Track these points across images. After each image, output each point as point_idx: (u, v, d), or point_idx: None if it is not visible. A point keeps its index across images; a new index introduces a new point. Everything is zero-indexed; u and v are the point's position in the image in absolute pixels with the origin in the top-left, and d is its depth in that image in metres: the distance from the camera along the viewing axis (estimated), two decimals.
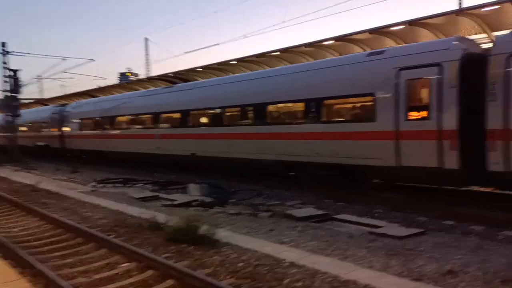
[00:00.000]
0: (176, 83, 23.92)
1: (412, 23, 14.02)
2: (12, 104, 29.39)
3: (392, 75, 10.32)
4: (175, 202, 11.57)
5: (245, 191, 13.07)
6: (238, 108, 14.88)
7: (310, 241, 7.34)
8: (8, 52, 27.65)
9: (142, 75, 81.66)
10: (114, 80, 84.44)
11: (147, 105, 19.78)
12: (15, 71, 29.47)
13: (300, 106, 12.74)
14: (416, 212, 9.29)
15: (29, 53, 29.08)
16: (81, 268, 6.46)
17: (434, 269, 5.78)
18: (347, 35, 15.23)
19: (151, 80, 26.13)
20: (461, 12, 14.41)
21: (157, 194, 13.48)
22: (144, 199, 12.76)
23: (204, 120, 16.66)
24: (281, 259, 6.34)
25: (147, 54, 76.66)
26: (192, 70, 22.77)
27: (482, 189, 10.82)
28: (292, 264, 6.09)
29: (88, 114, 25.12)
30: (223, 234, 7.85)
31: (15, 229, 9.46)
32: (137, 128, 20.35)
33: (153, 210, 10.68)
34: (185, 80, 23.51)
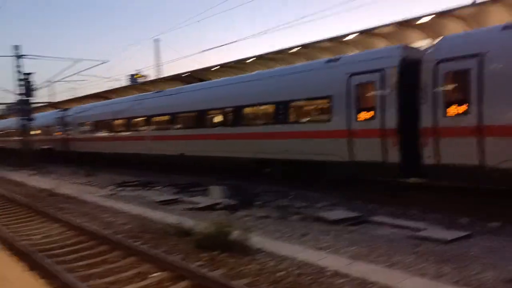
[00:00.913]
0: (190, 82, 23.67)
1: (440, 15, 13.47)
2: (26, 107, 29.32)
3: (345, 80, 11.42)
4: (198, 206, 11.19)
5: (269, 193, 12.66)
6: (218, 111, 15.95)
7: (349, 247, 6.91)
8: (21, 56, 27.53)
9: (152, 77, 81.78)
10: (126, 81, 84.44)
11: (140, 109, 20.83)
12: (28, 74, 29.41)
13: (270, 108, 13.86)
14: (455, 213, 8.79)
15: (42, 56, 28.90)
16: (111, 279, 6.11)
17: (493, 277, 5.33)
18: (370, 29, 14.75)
19: (165, 80, 25.83)
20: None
21: (177, 197, 13.13)
22: (165, 203, 12.41)
23: (190, 122, 17.56)
24: (323, 267, 5.92)
25: (157, 55, 76.56)
26: (208, 69, 22.41)
27: None
28: (337, 273, 5.67)
29: (87, 118, 26.26)
30: (254, 239, 7.43)
31: (37, 236, 9.17)
32: (132, 131, 21.40)
33: (176, 215, 10.34)
34: (200, 80, 23.21)
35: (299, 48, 17.19)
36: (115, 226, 9.58)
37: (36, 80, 43.92)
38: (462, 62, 9.12)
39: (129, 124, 21.72)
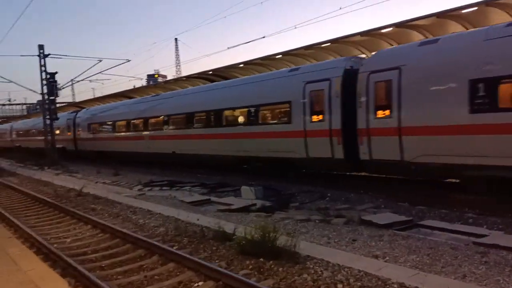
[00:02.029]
0: (214, 81, 23.26)
1: (489, 2, 12.62)
2: (50, 107, 29.37)
3: (301, 87, 13.17)
4: (232, 207, 10.71)
5: (304, 193, 12.12)
6: (203, 113, 17.77)
7: (408, 255, 6.31)
8: (46, 55, 27.54)
9: (170, 77, 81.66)
10: (146, 81, 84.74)
11: (138, 111, 22.87)
12: (52, 74, 29.46)
13: (245, 112, 15.53)
14: None
15: (66, 55, 29.01)
16: None
17: None
18: (407, 21, 14.00)
19: (189, 78, 25.47)
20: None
21: (208, 197, 12.69)
22: (196, 203, 11.99)
23: (180, 123, 19.40)
24: (386, 278, 5.34)
25: (177, 55, 76.58)
26: (233, 67, 21.92)
27: None
28: (402, 286, 5.09)
29: (94, 119, 28.56)
30: (300, 245, 6.89)
31: (68, 240, 8.81)
32: (132, 131, 23.41)
33: (210, 216, 9.87)
34: (225, 78, 22.74)
35: (329, 43, 16.53)
36: (149, 228, 9.16)
37: (59, 80, 44.10)
38: (386, 73, 10.80)
39: (129, 125, 23.71)
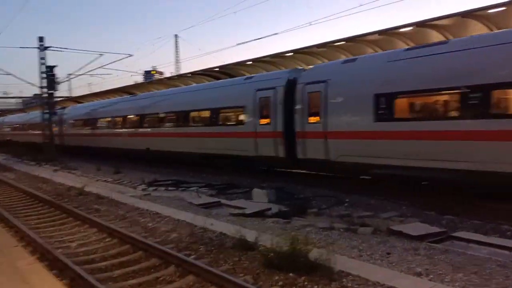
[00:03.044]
0: (219, 78, 22.65)
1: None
2: (49, 101, 28.64)
3: (253, 94, 14.85)
4: (246, 211, 10.10)
5: (319, 198, 11.53)
6: (174, 114, 19.39)
7: (453, 273, 5.73)
8: (46, 48, 26.79)
9: (168, 73, 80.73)
10: (144, 78, 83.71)
11: (118, 110, 24.71)
12: (51, 67, 28.72)
13: (208, 114, 17.22)
14: None
15: (66, 48, 28.14)
16: None
17: None
18: (427, 21, 13.46)
19: (194, 75, 24.82)
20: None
21: (217, 200, 12.09)
22: (206, 206, 11.38)
23: (153, 123, 21.01)
24: None
25: (177, 51, 75.84)
26: (240, 64, 21.29)
27: None
28: None
29: (78, 116, 29.94)
30: (327, 256, 6.28)
31: (73, 244, 8.18)
32: (110, 128, 25.27)
33: (224, 221, 9.27)
34: (231, 75, 22.13)
35: (343, 42, 15.95)
36: (160, 233, 8.54)
37: (58, 74, 43.37)
38: (317, 85, 12.56)
39: (109, 122, 25.54)
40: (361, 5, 14.83)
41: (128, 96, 27.62)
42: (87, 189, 14.13)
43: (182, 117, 18.68)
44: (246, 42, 59.86)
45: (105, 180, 17.17)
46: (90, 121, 27.92)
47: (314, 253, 6.05)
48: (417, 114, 10.46)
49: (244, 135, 15.10)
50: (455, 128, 9.28)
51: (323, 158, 12.25)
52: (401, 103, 10.56)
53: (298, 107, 13.12)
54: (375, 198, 10.71)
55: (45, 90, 28.38)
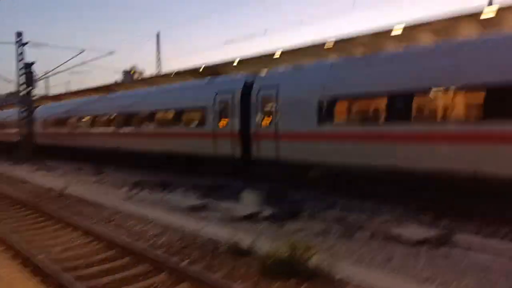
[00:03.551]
0: (202, 77, 22.21)
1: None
2: (27, 98, 27.73)
3: (213, 96, 15.41)
4: (237, 215, 9.77)
5: (311, 201, 11.28)
6: (140, 114, 19.72)
7: (460, 280, 5.55)
8: (24, 43, 25.93)
9: (148, 73, 79.70)
10: (122, 77, 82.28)
11: (89, 109, 24.95)
12: (30, 64, 27.83)
13: (172, 114, 17.66)
14: None
15: (45, 44, 27.05)
16: None
17: None
18: (418, 23, 13.40)
19: (179, 74, 24.34)
20: None
21: (206, 202, 11.69)
22: (194, 209, 10.99)
23: (122, 122, 21.20)
24: None
25: (158, 50, 74.77)
26: (227, 64, 20.93)
27: None
28: None
29: (50, 116, 29.75)
30: (327, 262, 6.03)
31: (57, 249, 7.72)
32: (80, 127, 25.57)
33: (215, 225, 8.97)
34: (217, 74, 21.73)
35: (333, 42, 15.78)
36: (149, 237, 8.15)
37: (37, 71, 42.20)
38: (269, 90, 13.37)
39: (79, 122, 25.84)
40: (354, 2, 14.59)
41: (98, 96, 27.99)
42: (68, 190, 13.60)
43: (148, 117, 19.12)
44: (235, 41, 58.35)
45: (86, 181, 16.59)
46: (61, 121, 28.07)
47: (314, 259, 5.78)
48: (353, 118, 11.23)
49: (204, 136, 15.74)
50: (381, 131, 10.34)
51: (274, 158, 13.16)
52: (340, 107, 11.47)
53: (253, 109, 13.93)
54: (369, 201, 10.50)
55: (23, 87, 27.48)
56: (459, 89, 8.94)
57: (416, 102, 9.68)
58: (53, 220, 9.91)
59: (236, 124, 14.46)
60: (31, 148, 27.61)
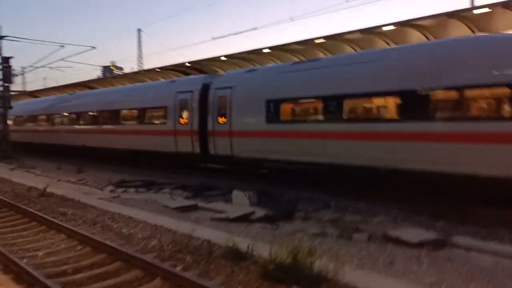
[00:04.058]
0: (190, 74, 21.87)
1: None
2: (4, 95, 26.83)
3: (174, 96, 16.15)
4: (230, 216, 9.48)
5: (303, 201, 11.05)
6: (105, 112, 20.43)
7: (465, 283, 5.43)
8: (2, 37, 25.03)
9: (127, 69, 78.27)
10: (107, 73, 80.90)
11: (57, 107, 25.50)
12: (7, 58, 26.95)
13: (136, 113, 18.45)
14: None
15: (24, 38, 26.16)
16: None
17: None
18: (407, 21, 13.30)
19: (163, 70, 23.86)
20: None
21: (194, 203, 11.38)
22: (182, 210, 10.67)
23: (88, 120, 22.16)
24: None
25: (139, 46, 73.83)
26: (214, 60, 20.57)
27: None
28: None
29: (21, 113, 29.68)
30: (330, 267, 5.80)
31: (40, 253, 7.30)
32: (51, 125, 25.88)
33: (207, 227, 8.70)
34: (201, 71, 21.41)
35: (323, 39, 15.60)
36: (138, 240, 7.80)
37: (14, 66, 41.10)
38: (224, 90, 14.20)
39: (48, 119, 26.23)
40: (347, 1, 14.41)
41: (67, 94, 28.77)
42: (49, 190, 13.08)
43: (114, 116, 19.71)
44: (223, 36, 57.62)
45: (68, 180, 16.04)
46: (32, 118, 28.42)
47: (317, 264, 5.55)
48: (297, 118, 12.41)
49: (166, 133, 16.38)
50: (319, 129, 11.45)
51: (229, 154, 13.98)
52: (285, 108, 12.46)
53: (210, 109, 14.72)
54: (362, 201, 10.34)
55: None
56: (375, 95, 10.41)
57: (345, 105, 10.85)
58: (35, 221, 9.45)
59: (195, 122, 15.16)
60: (7, 146, 26.64)
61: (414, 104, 9.28)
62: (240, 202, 11.14)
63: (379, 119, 10.43)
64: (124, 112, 19.18)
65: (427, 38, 13.72)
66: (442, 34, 13.23)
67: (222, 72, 19.79)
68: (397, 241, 7.26)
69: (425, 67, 9.44)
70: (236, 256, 6.47)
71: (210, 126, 14.61)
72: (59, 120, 24.92)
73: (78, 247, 7.55)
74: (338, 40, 15.61)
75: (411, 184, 9.62)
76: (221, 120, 14.20)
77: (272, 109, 12.48)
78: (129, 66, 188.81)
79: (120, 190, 13.59)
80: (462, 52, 9.23)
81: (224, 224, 9.02)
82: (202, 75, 17.66)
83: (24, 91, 51.87)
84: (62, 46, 26.09)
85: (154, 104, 17.38)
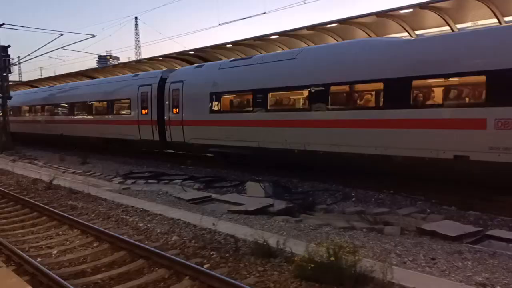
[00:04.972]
0: (193, 62, 21.30)
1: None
2: (3, 84, 26.19)
3: (136, 89, 17.92)
4: (248, 208, 9.07)
5: (320, 192, 10.67)
6: (80, 104, 22.48)
7: None
8: (0, 25, 24.33)
9: (124, 59, 77.25)
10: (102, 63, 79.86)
11: (40, 99, 27.23)
12: (5, 47, 26.26)
13: (105, 104, 20.45)
14: None
15: (22, 26, 25.36)
16: None
17: None
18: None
19: (165, 58, 23.26)
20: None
21: (208, 194, 11.00)
22: (196, 202, 10.28)
23: (65, 111, 24.10)
24: None
25: (137, 35, 72.75)
26: (219, 47, 19.98)
27: None
28: None
29: (15, 103, 30.30)
30: (374, 265, 5.40)
31: (54, 251, 6.90)
32: (32, 116, 28.04)
33: (226, 220, 8.24)
34: (205, 59, 20.84)
35: (334, 24, 15.04)
36: (158, 235, 7.39)
37: (12, 56, 40.43)
38: (177, 84, 15.97)
39: (31, 110, 28.28)
40: None
41: (48, 87, 30.68)
42: (55, 182, 12.63)
43: (87, 107, 21.85)
44: (230, 22, 55.91)
45: (73, 172, 15.58)
46: (17, 110, 29.92)
47: (367, 264, 5.15)
48: (233, 109, 14.35)
49: (131, 123, 18.18)
50: (249, 119, 13.26)
51: (181, 141, 15.83)
52: (224, 100, 14.38)
53: (166, 100, 16.43)
54: (384, 192, 9.96)
55: None
56: (288, 89, 12.52)
57: (270, 97, 12.84)
58: (45, 216, 9.02)
59: (154, 113, 16.96)
60: (7, 137, 26.09)
61: (315, 97, 11.53)
62: (255, 193, 10.75)
63: (291, 109, 12.60)
64: (96, 104, 21.32)
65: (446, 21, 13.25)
66: None
67: (223, 59, 20.08)
68: (434, 235, 6.86)
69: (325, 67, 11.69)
70: (265, 253, 6.06)
71: (166, 116, 16.39)
72: (39, 111, 26.93)
73: (95, 244, 7.14)
74: (350, 24, 15.06)
75: (316, 162, 11.92)
76: (175, 110, 15.98)
77: (214, 101, 14.45)
78: (126, 55, 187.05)
79: (129, 181, 13.14)
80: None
81: (243, 217, 8.59)
82: (160, 70, 19.57)
83: (20, 81, 51.11)
84: (61, 34, 25.27)
85: (121, 96, 19.22)
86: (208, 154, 15.82)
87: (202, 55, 21.11)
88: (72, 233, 7.81)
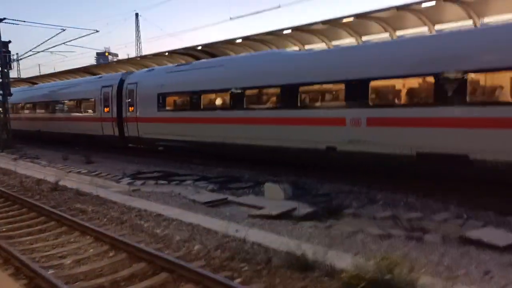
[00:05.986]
0: (200, 58, 20.76)
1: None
2: (4, 81, 25.57)
3: (100, 89, 19.96)
4: (272, 212, 8.50)
5: (343, 194, 10.12)
6: (53, 102, 24.55)
7: None
8: (0, 20, 23.68)
9: (123, 56, 76.36)
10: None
11: (26, 97, 28.94)
12: (6, 43, 25.64)
13: (74, 103, 22.72)
14: None
15: (24, 21, 24.86)
16: None
17: None
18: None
19: (172, 54, 22.66)
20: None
21: (224, 196, 10.41)
22: (212, 205, 9.70)
23: (42, 108, 26.16)
24: None
25: (137, 31, 72.07)
26: (229, 42, 19.38)
27: None
28: None
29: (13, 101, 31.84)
30: (425, 280, 4.86)
31: (67, 261, 6.33)
32: (15, 113, 28.93)
33: (247, 225, 7.69)
34: (213, 55, 20.27)
35: (351, 18, 14.44)
36: (178, 244, 6.83)
37: (17, 50, 39.50)
38: (132, 85, 18.12)
39: (13, 108, 29.05)
40: None
41: (30, 86, 33.18)
42: (61, 182, 12.06)
43: (60, 105, 24.04)
44: (242, 16, 52.58)
45: (78, 172, 14.99)
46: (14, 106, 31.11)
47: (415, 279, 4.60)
48: (175, 107, 16.56)
49: (95, 120, 20.22)
50: (187, 116, 15.51)
51: (136, 136, 17.96)
52: (169, 100, 16.62)
53: (124, 100, 18.49)
54: (413, 195, 9.41)
55: None
56: (215, 91, 14.85)
57: (202, 98, 15.06)
58: (53, 221, 8.46)
59: (114, 111, 18.99)
60: (8, 135, 25.49)
61: (236, 99, 13.56)
62: (274, 195, 10.18)
63: (218, 109, 14.65)
64: (67, 102, 23.46)
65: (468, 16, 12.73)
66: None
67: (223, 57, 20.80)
68: (480, 244, 6.31)
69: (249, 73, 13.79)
70: (300, 266, 5.52)
71: (124, 114, 18.48)
72: (21, 108, 29.17)
73: (111, 253, 6.58)
74: (368, 18, 14.47)
75: (234, 153, 14.28)
76: (131, 109, 18.09)
77: (161, 100, 16.57)
78: (125, 52, 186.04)
79: (138, 182, 12.55)
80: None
81: (266, 222, 8.04)
82: (120, 73, 22.06)
83: (19, 77, 50.38)
84: (63, 29, 24.73)
85: (87, 96, 21.22)
86: (159, 148, 17.81)
87: (210, 50, 20.50)
88: (84, 241, 7.25)
